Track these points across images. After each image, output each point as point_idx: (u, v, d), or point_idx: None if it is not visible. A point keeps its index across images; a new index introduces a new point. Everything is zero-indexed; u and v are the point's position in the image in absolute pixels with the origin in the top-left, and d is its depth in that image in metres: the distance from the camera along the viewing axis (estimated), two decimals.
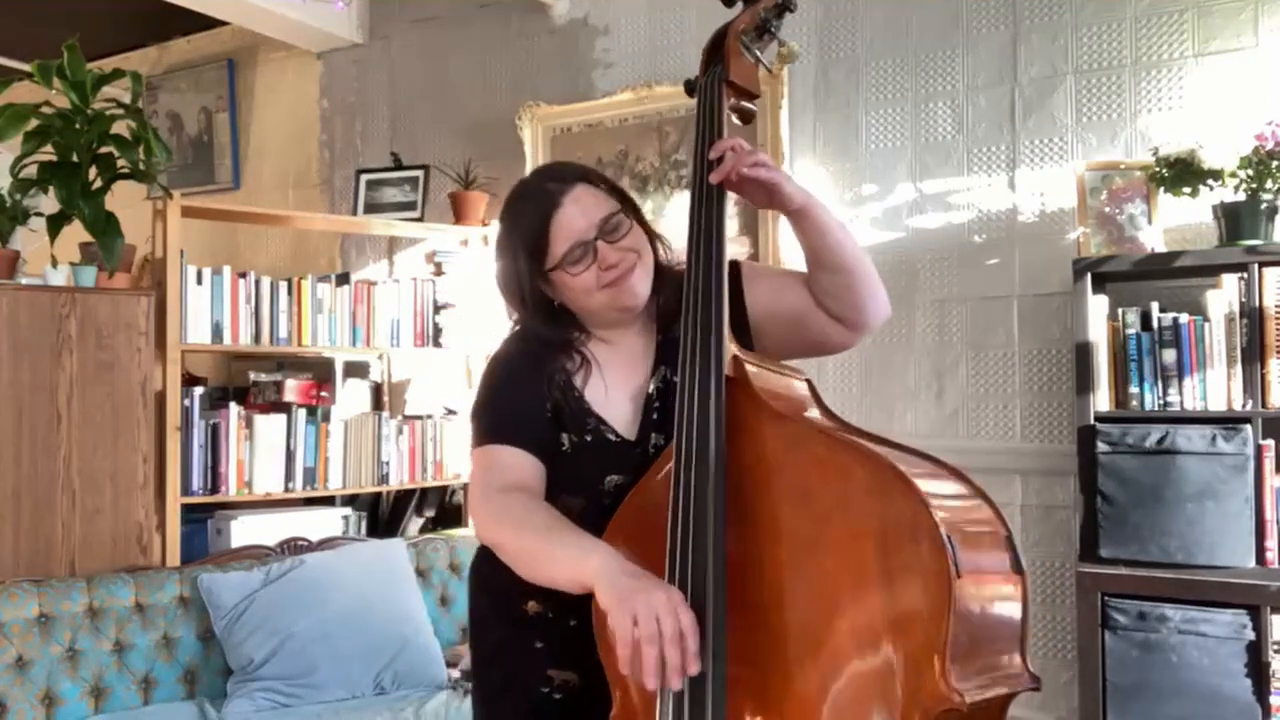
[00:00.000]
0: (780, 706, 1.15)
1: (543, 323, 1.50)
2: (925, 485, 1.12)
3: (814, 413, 1.31)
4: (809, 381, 1.37)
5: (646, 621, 1.10)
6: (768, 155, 1.39)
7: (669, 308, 1.50)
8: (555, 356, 1.49)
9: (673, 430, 1.41)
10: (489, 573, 1.53)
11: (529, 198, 1.48)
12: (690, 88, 1.55)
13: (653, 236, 1.52)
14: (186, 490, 3.11)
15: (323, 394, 4.00)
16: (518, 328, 1.55)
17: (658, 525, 1.26)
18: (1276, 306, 2.52)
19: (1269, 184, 2.55)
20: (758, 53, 1.49)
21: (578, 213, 1.43)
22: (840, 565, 1.14)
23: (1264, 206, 2.56)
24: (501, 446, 1.42)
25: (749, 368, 1.29)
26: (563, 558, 1.25)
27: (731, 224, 3.52)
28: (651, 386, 1.49)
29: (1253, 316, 2.53)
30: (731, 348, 1.31)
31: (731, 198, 1.41)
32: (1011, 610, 1.16)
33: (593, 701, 1.39)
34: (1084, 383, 2.68)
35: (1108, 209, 2.77)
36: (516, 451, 1.42)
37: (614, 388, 1.49)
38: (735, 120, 1.51)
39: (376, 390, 4.19)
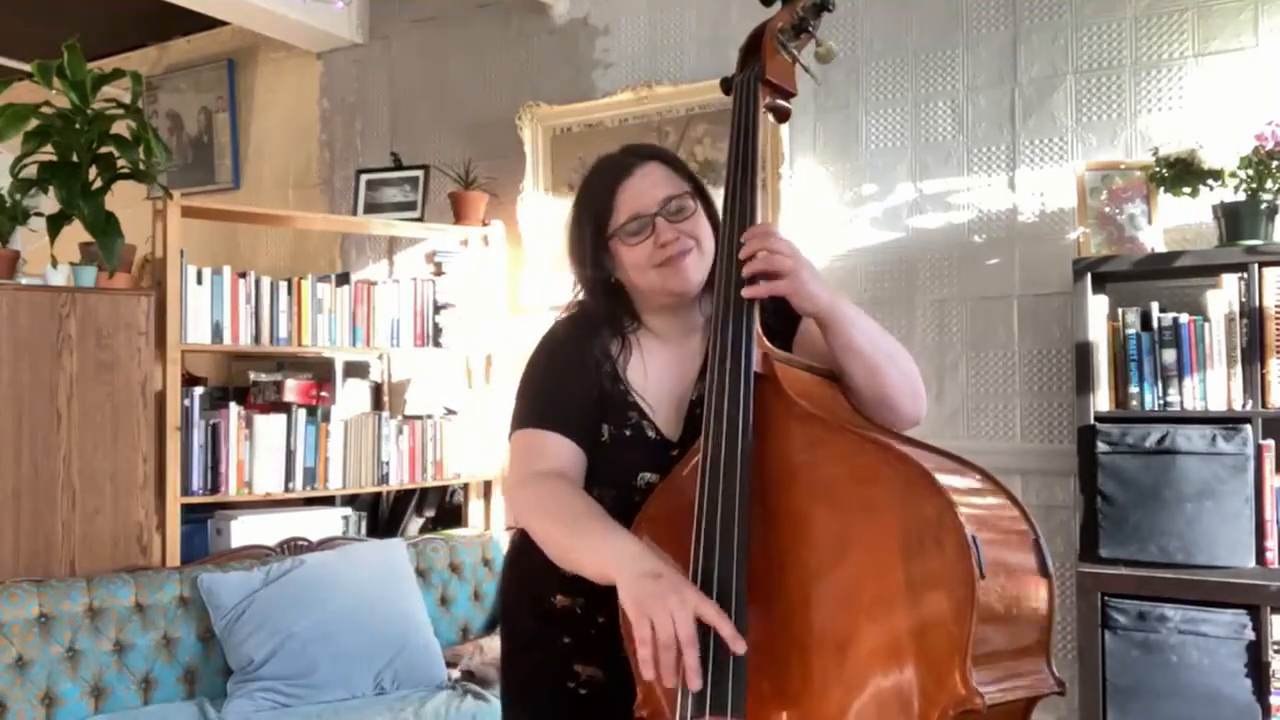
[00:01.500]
0: (802, 704, 1.15)
1: (598, 295, 1.51)
2: (951, 486, 1.12)
3: (843, 412, 1.32)
4: (834, 377, 1.37)
5: (663, 627, 1.11)
6: (788, 248, 1.33)
7: None
8: (604, 339, 1.50)
9: None
10: (524, 562, 1.54)
11: (605, 166, 1.52)
12: (727, 86, 1.55)
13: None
14: (186, 490, 3.11)
15: (323, 394, 4.00)
16: (569, 311, 1.56)
17: (683, 520, 1.26)
18: (1276, 306, 2.52)
19: (1269, 184, 2.55)
20: (795, 51, 1.49)
21: (646, 186, 1.46)
22: (864, 564, 1.14)
23: (1264, 206, 2.56)
24: (545, 432, 1.44)
25: (779, 365, 1.29)
26: (589, 549, 1.27)
27: None
28: (695, 393, 1.48)
29: (1253, 316, 2.53)
30: (763, 344, 1.31)
31: (761, 190, 1.42)
32: (1036, 613, 1.16)
33: (618, 697, 1.40)
34: (1084, 383, 2.68)
35: (1108, 209, 2.77)
36: (559, 438, 1.43)
37: (657, 383, 1.49)
38: (771, 119, 1.53)
39: (376, 390, 4.19)
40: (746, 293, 1.32)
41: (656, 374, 1.50)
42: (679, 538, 1.25)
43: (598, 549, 1.25)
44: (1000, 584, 1.10)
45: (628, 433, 1.47)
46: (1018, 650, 1.13)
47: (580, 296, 1.55)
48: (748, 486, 1.21)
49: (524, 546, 1.51)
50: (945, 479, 1.12)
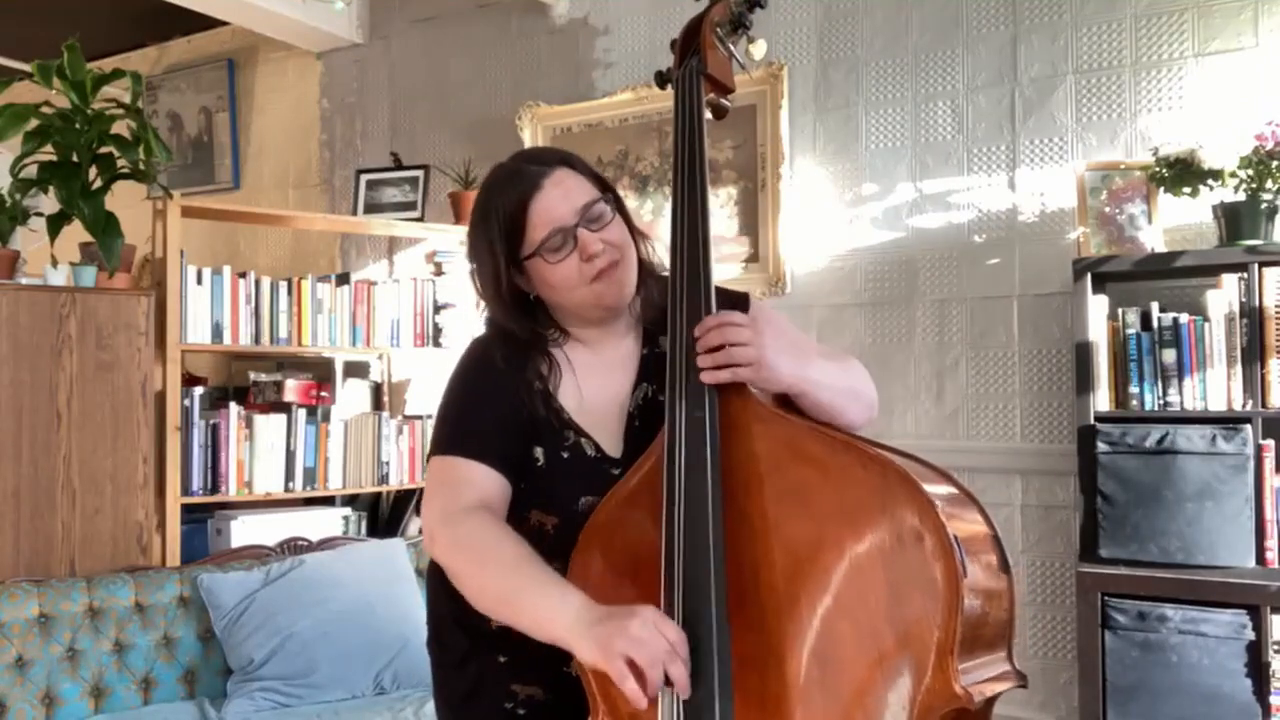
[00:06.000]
0: (784, 710, 1.13)
1: (516, 317, 1.39)
2: (928, 487, 1.11)
3: (798, 413, 1.29)
4: None
5: (639, 651, 1.07)
6: (747, 334, 1.22)
7: (655, 315, 1.43)
8: (530, 358, 1.39)
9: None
10: (451, 583, 1.49)
11: (506, 180, 1.38)
12: (663, 80, 1.50)
13: (636, 234, 1.42)
14: (186, 490, 3.11)
15: (323, 394, 4.00)
16: (491, 328, 1.45)
17: (639, 531, 1.23)
18: (1276, 306, 2.52)
19: (1269, 184, 2.55)
20: (731, 47, 1.46)
21: (559, 196, 1.34)
22: (843, 567, 1.12)
23: (1264, 206, 2.56)
24: (466, 460, 1.32)
25: None
26: (530, 611, 1.19)
27: (731, 225, 3.52)
28: (632, 404, 1.41)
29: (1253, 316, 2.53)
30: None
31: (714, 197, 1.38)
32: (1002, 608, 1.16)
33: (559, 716, 1.36)
34: (1084, 383, 2.68)
35: (1108, 209, 2.77)
36: (482, 468, 1.32)
37: (592, 398, 1.40)
38: (709, 116, 1.46)
39: (376, 390, 4.19)
40: (707, 379, 1.22)
41: (592, 389, 1.40)
42: (635, 545, 1.22)
43: (539, 608, 1.17)
44: (977, 582, 1.10)
45: (565, 455, 1.37)
46: (990, 646, 1.14)
47: (493, 317, 1.44)
48: (719, 489, 1.17)
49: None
50: (920, 480, 1.12)
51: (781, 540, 1.16)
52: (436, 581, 1.52)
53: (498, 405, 1.37)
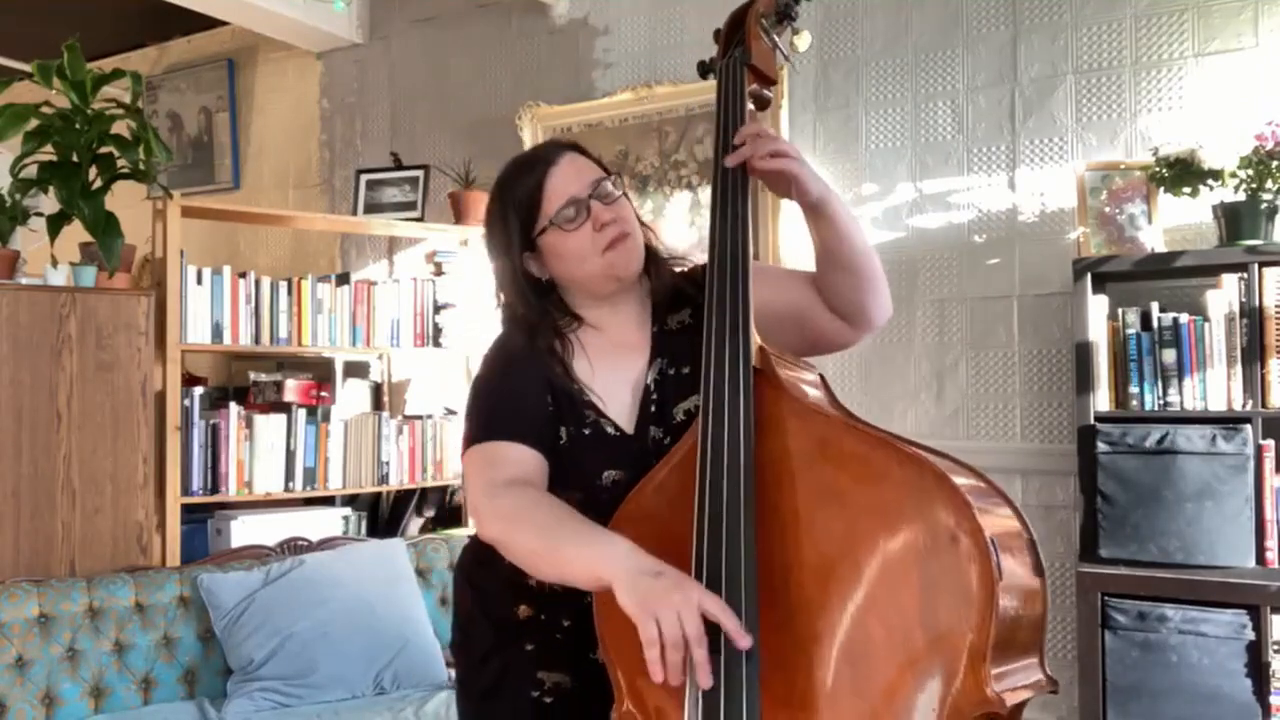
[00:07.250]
0: (812, 710, 1.12)
1: (530, 300, 1.47)
2: (965, 487, 1.10)
3: (839, 409, 1.28)
4: (821, 377, 1.34)
5: (670, 625, 1.06)
6: (789, 144, 1.38)
7: (662, 297, 1.49)
8: (547, 337, 1.45)
9: (670, 424, 1.40)
10: (477, 574, 1.52)
11: (524, 164, 1.48)
12: (705, 70, 1.51)
13: (639, 221, 1.50)
14: (186, 490, 3.11)
15: (323, 394, 4.00)
16: (506, 320, 1.52)
17: (669, 521, 1.23)
18: (1276, 306, 2.52)
19: (1269, 184, 2.55)
20: (775, 38, 1.47)
21: (572, 172, 1.44)
22: (876, 567, 1.11)
23: (1264, 206, 2.56)
24: (503, 442, 1.37)
25: (774, 360, 1.26)
26: (576, 556, 1.20)
27: None
28: (649, 378, 1.45)
29: (1253, 316, 2.53)
30: (756, 339, 1.28)
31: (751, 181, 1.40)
32: (1036, 613, 1.14)
33: (585, 703, 1.37)
34: (1084, 383, 2.68)
35: (1108, 209, 2.77)
36: (519, 446, 1.37)
37: (608, 378, 1.45)
38: (751, 107, 1.48)
39: (376, 390, 4.19)
40: (759, 164, 1.33)
41: (604, 367, 1.45)
42: (665, 536, 1.21)
43: (585, 552, 1.19)
44: (1012, 585, 1.08)
45: (586, 432, 1.41)
46: (1023, 650, 1.12)
47: (507, 305, 1.52)
48: (752, 483, 1.17)
49: (481, 560, 1.46)
50: (955, 479, 1.10)
51: (813, 538, 1.15)
52: (462, 577, 1.57)
53: (525, 387, 1.42)
